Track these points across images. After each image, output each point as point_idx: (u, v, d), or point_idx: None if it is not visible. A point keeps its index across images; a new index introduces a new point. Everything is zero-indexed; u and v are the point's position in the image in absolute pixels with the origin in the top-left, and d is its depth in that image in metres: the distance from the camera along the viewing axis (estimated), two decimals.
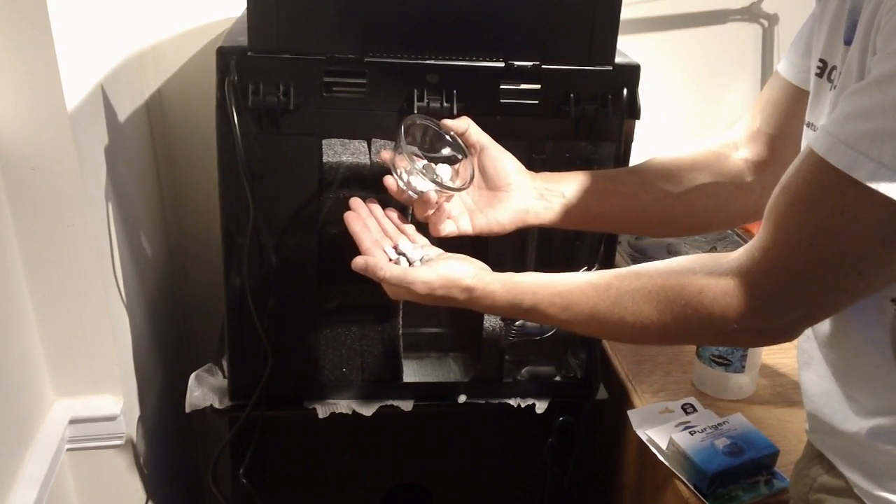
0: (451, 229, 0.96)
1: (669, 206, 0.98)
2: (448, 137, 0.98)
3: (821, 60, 0.76)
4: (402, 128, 0.94)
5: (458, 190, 0.95)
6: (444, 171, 0.97)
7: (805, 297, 0.67)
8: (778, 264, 0.67)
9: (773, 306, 0.68)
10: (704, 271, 0.71)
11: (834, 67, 0.73)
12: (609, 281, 0.78)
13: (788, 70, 0.89)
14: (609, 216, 1.00)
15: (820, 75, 0.76)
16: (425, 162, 0.97)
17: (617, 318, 0.77)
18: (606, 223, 1.04)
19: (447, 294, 0.86)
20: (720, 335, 0.75)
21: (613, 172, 1.05)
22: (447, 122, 0.98)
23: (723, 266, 0.70)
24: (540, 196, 0.97)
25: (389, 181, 0.94)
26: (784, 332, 0.70)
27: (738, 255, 0.70)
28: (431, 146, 0.99)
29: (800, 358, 0.85)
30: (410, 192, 0.94)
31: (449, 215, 0.96)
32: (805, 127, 0.80)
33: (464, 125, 0.98)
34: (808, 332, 0.82)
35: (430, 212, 0.94)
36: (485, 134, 0.99)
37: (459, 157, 0.97)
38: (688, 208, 0.98)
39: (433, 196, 0.93)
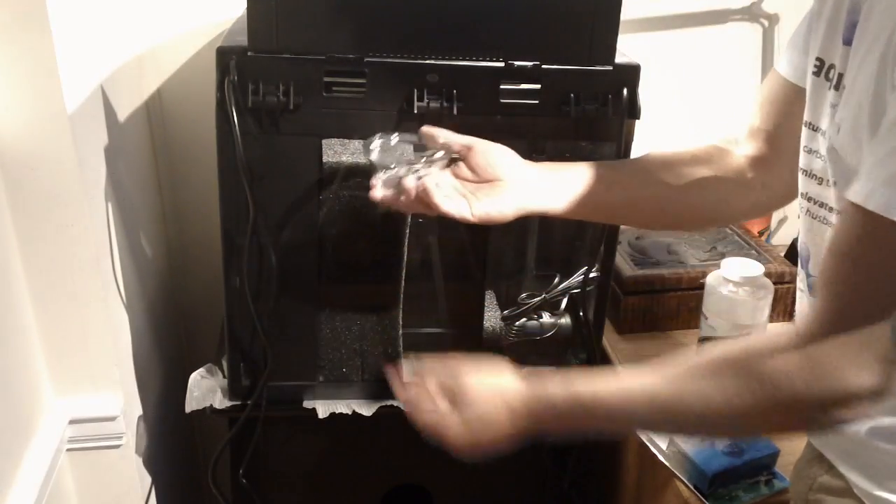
0: (452, 206, 0.91)
1: (671, 199, 0.98)
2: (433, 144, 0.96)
3: (818, 59, 0.76)
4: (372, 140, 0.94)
5: (434, 158, 0.93)
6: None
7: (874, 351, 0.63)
8: (840, 328, 0.64)
9: (847, 370, 0.64)
10: (771, 354, 0.67)
11: (832, 66, 0.73)
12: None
13: (786, 68, 0.89)
14: (611, 206, 0.99)
15: (817, 74, 0.76)
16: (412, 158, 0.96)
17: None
18: (608, 214, 1.03)
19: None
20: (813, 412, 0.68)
21: (616, 163, 1.05)
22: (424, 129, 0.95)
23: (785, 343, 0.67)
24: (542, 186, 0.96)
25: (374, 193, 0.93)
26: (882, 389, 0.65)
27: (800, 329, 0.67)
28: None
29: None
30: (393, 188, 0.92)
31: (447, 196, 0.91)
32: (804, 127, 0.79)
33: (434, 132, 0.95)
34: None
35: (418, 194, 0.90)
36: (466, 136, 0.95)
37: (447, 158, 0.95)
38: (689, 201, 0.98)
39: (410, 182, 0.90)
